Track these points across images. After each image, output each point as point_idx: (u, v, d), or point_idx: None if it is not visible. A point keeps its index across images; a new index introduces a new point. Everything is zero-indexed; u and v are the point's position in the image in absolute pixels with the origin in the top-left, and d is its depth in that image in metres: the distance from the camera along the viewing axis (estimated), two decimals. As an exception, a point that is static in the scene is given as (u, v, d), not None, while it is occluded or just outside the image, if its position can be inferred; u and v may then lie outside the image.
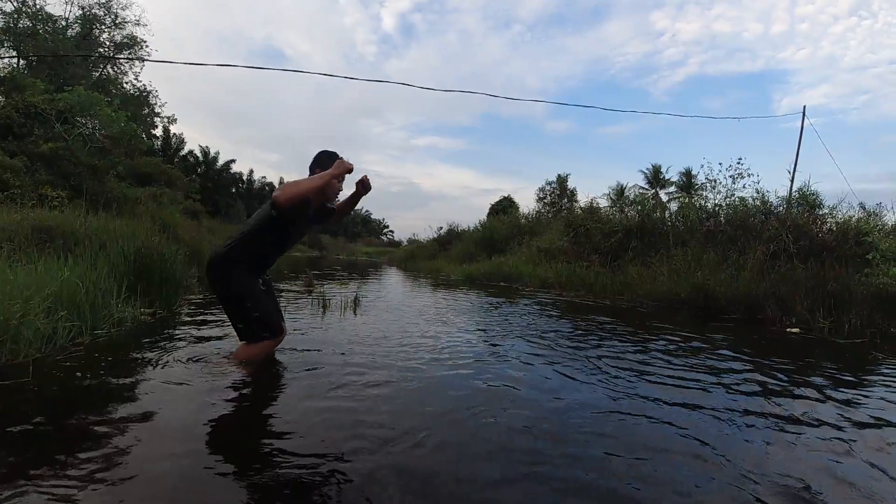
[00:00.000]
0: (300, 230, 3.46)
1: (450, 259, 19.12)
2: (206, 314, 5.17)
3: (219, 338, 4.07)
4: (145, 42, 27.52)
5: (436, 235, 24.70)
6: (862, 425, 2.70)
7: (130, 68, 28.39)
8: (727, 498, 1.81)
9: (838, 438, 2.48)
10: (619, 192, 33.97)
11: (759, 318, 6.81)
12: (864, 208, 10.69)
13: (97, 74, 26.43)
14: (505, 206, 30.51)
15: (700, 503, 1.77)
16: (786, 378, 3.68)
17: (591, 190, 52.57)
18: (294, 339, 4.03)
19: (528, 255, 14.61)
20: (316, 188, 3.05)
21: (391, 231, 74.46)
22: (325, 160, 3.26)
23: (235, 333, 3.27)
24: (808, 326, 6.10)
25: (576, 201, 28.41)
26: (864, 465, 2.17)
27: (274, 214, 3.09)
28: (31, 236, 5.39)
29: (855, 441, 2.44)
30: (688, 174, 38.14)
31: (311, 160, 3.29)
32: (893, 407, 3.05)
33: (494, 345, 4.44)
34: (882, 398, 3.26)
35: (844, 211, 9.97)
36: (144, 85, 29.97)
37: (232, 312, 3.20)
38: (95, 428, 2.10)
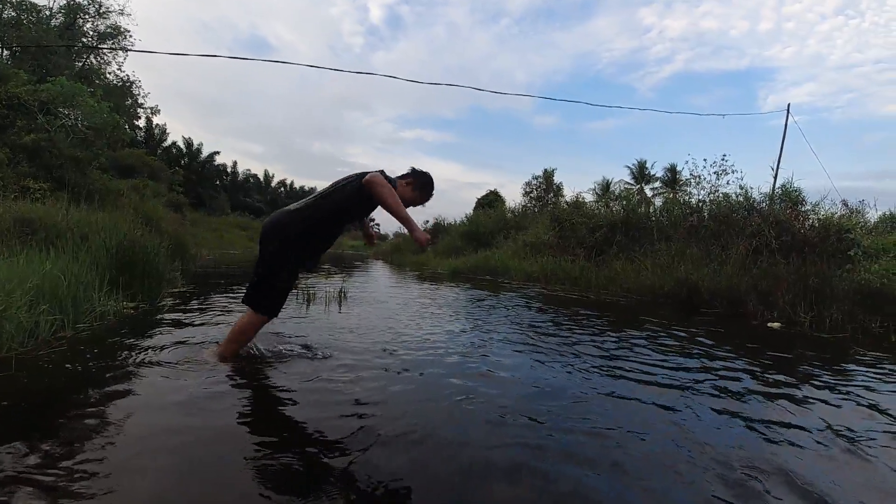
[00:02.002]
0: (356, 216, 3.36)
1: (436, 253, 19.13)
2: (189, 307, 5.14)
3: (201, 324, 4.07)
4: (129, 32, 27.01)
5: (422, 229, 24.59)
6: (837, 416, 2.75)
7: (114, 58, 27.87)
8: (702, 475, 1.85)
9: (814, 427, 2.53)
10: (605, 187, 34.27)
11: (741, 313, 6.90)
12: (847, 205, 10.83)
13: (80, 65, 25.97)
14: (491, 200, 30.57)
15: (678, 474, 1.81)
16: (765, 369, 3.75)
17: (578, 185, 53.16)
18: (278, 330, 4.02)
19: (513, 249, 14.66)
20: (392, 209, 3.03)
21: (377, 224, 74.29)
22: (424, 185, 3.37)
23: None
24: (790, 321, 6.19)
25: (562, 196, 28.51)
26: (837, 454, 2.22)
27: (358, 187, 3.06)
28: (14, 229, 5.32)
29: (829, 431, 2.49)
30: (672, 170, 38.43)
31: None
32: (869, 396, 3.11)
33: (478, 336, 4.47)
34: (860, 385, 3.34)
35: (827, 208, 10.10)
36: (128, 75, 29.48)
37: (263, 272, 3.06)
38: (79, 420, 2.09)
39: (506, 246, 15.68)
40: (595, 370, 3.44)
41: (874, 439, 2.44)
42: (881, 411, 2.87)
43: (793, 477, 1.93)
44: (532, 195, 33.54)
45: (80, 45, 25.28)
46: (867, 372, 3.84)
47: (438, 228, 23.28)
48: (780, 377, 3.54)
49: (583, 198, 15.90)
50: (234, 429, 2.15)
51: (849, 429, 2.55)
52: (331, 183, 3.25)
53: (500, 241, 16.88)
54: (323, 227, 3.13)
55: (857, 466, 2.12)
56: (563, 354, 3.89)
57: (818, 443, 2.33)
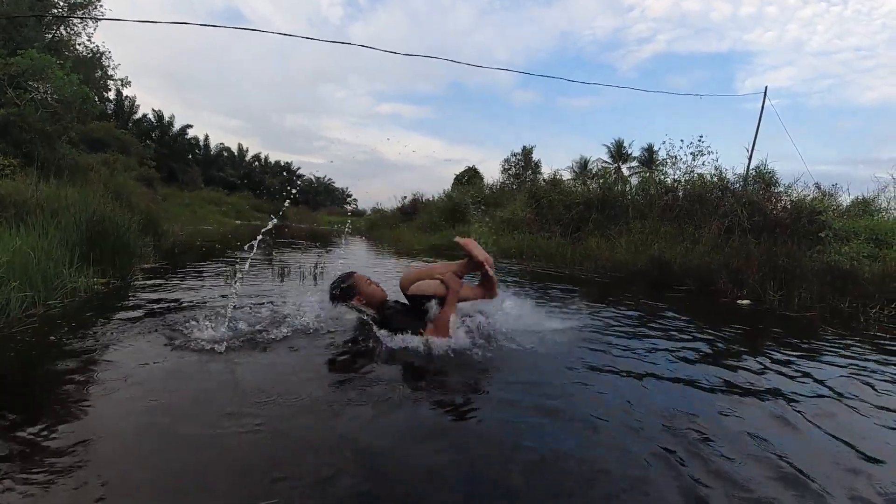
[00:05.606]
0: None
1: (414, 229, 19.07)
2: (161, 282, 5.03)
3: (173, 299, 3.99)
4: (99, 2, 26.12)
5: (400, 205, 24.52)
6: (797, 388, 2.81)
7: (84, 29, 26.85)
8: (656, 431, 1.91)
9: (770, 397, 2.60)
10: (583, 165, 34.32)
11: (712, 290, 7.00)
12: (819, 188, 11.05)
13: (50, 36, 25.00)
14: (470, 177, 30.44)
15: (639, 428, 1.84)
16: (730, 343, 3.85)
17: (556, 162, 53.01)
18: (250, 303, 3.95)
19: (491, 226, 14.67)
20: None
21: (355, 200, 73.52)
22: None
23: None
24: (759, 299, 6.30)
25: (540, 173, 28.54)
26: (798, 426, 2.27)
27: None
28: (-18, 206, 5.18)
29: (787, 402, 2.56)
30: (650, 150, 38.61)
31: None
32: (830, 371, 3.19)
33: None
34: (823, 362, 3.42)
35: (800, 190, 10.29)
36: (97, 46, 28.46)
37: None
38: (54, 395, 2.09)
39: (484, 222, 15.70)
40: (565, 345, 3.45)
41: (827, 410, 2.50)
42: (838, 381, 2.93)
43: (743, 443, 2.02)
44: (510, 172, 33.53)
45: (51, 15, 24.28)
46: (828, 347, 3.92)
47: (417, 205, 23.13)
48: (741, 349, 3.64)
49: (560, 175, 15.99)
50: (206, 402, 2.13)
51: (801, 402, 2.60)
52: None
53: (478, 217, 16.89)
54: None
55: (808, 436, 2.17)
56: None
57: (772, 412, 2.41)
